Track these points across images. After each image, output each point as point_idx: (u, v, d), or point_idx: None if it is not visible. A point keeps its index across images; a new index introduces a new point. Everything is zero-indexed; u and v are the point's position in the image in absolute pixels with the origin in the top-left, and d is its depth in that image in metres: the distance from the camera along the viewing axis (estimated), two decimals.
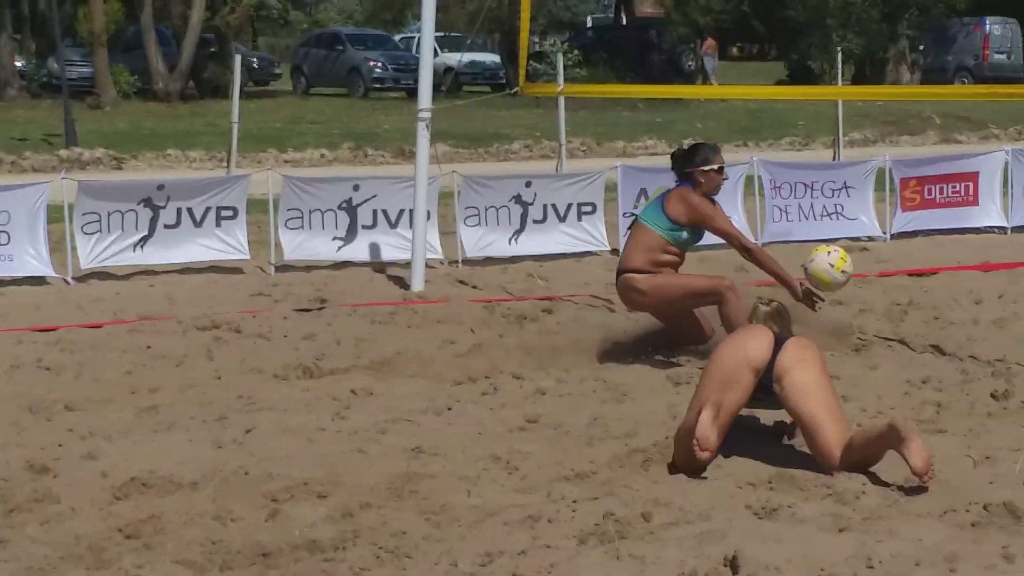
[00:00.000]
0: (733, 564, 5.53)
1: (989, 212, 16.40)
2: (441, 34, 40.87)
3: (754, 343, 7.05)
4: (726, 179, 10.33)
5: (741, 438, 7.22)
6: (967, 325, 10.85)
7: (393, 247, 13.98)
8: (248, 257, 13.79)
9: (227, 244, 13.72)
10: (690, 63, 52.07)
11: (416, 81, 13.10)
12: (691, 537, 5.87)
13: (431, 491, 6.62)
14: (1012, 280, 12.90)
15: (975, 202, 16.35)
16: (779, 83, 47.77)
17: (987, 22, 49.18)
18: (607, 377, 9.07)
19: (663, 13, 56.76)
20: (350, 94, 43.35)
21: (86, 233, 13.19)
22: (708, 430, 6.73)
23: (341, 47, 45.81)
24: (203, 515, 6.27)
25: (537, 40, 46.13)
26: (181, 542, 5.96)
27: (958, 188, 16.36)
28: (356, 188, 14.18)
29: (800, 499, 6.45)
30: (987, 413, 8.11)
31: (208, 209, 13.66)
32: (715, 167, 9.83)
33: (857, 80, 45.05)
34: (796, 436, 7.26)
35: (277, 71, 50.89)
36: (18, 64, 41.44)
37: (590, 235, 14.89)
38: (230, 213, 13.78)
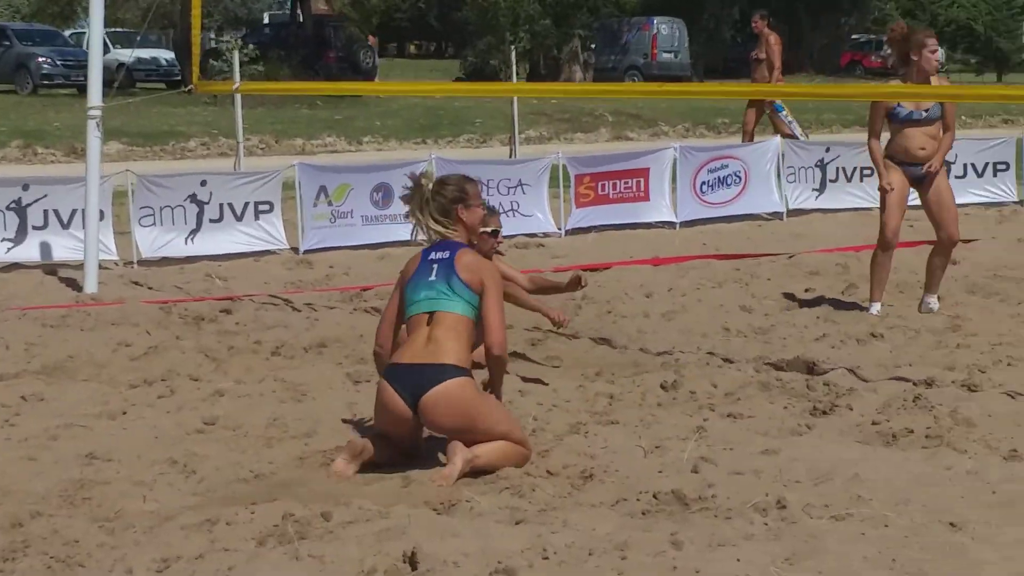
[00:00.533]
0: (412, 560, 5.56)
1: (659, 208, 16.85)
2: (113, 30, 40.04)
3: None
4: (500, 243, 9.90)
5: (428, 439, 7.29)
6: (638, 318, 11.14)
7: (66, 248, 13.62)
8: None
9: None
10: (367, 60, 52.16)
11: (87, 78, 12.81)
12: (370, 535, 5.88)
13: (105, 497, 6.49)
14: (680, 274, 13.31)
15: (646, 198, 16.79)
16: (457, 80, 48.29)
17: (655, 22, 50.60)
18: (286, 377, 9.00)
19: (337, 11, 56.84)
20: (18, 91, 42.06)
21: None
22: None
23: (8, 42, 44.36)
24: None
25: (213, 36, 45.59)
26: None
27: (629, 184, 16.77)
28: (25, 188, 13.78)
29: (478, 493, 6.53)
30: (657, 403, 8.35)
31: None
32: (489, 229, 9.45)
33: (532, 78, 45.86)
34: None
35: None
36: None
37: (268, 234, 14.77)
38: None
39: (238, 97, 18.07)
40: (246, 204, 14.73)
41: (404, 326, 7.34)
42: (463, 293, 7.15)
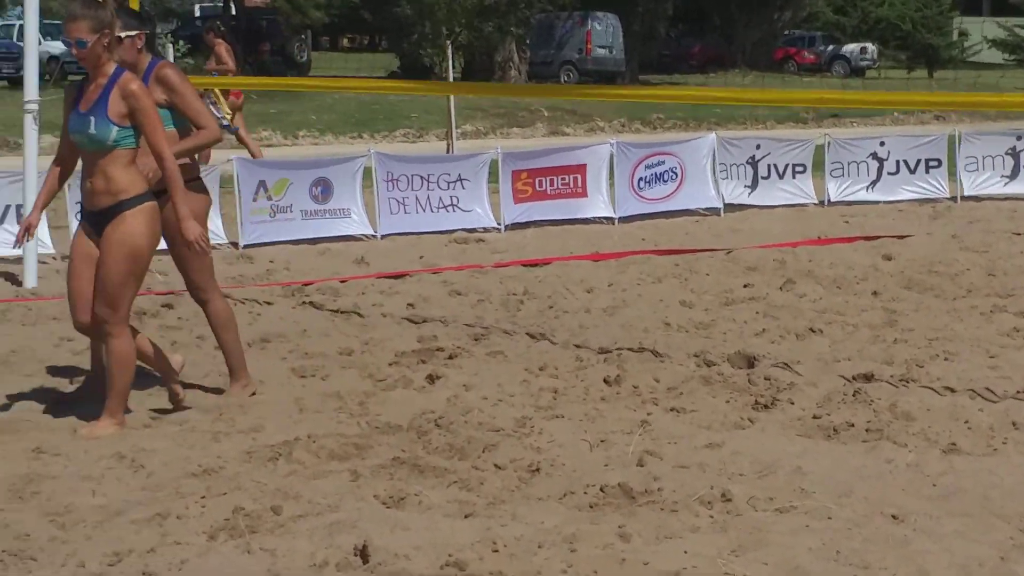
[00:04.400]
0: (363, 553, 5.60)
1: (597, 203, 16.93)
2: (45, 21, 39.61)
3: None
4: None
5: None
6: (579, 313, 11.22)
7: (2, 243, 13.55)
8: None
9: None
10: (302, 54, 52.03)
11: (20, 70, 12.73)
12: (321, 528, 5.91)
13: (54, 492, 6.48)
14: (620, 269, 13.39)
15: (584, 194, 16.88)
16: (392, 75, 48.24)
17: (589, 18, 50.66)
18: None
19: (272, 3, 56.64)
20: None
21: None
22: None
23: None
24: None
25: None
26: None
27: (567, 180, 16.84)
28: None
29: (426, 487, 6.56)
30: (601, 398, 8.41)
31: None
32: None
33: (467, 73, 45.84)
34: None
35: None
36: None
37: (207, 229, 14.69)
38: None
39: None
40: None
41: None
42: None
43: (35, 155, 12.39)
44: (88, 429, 7.55)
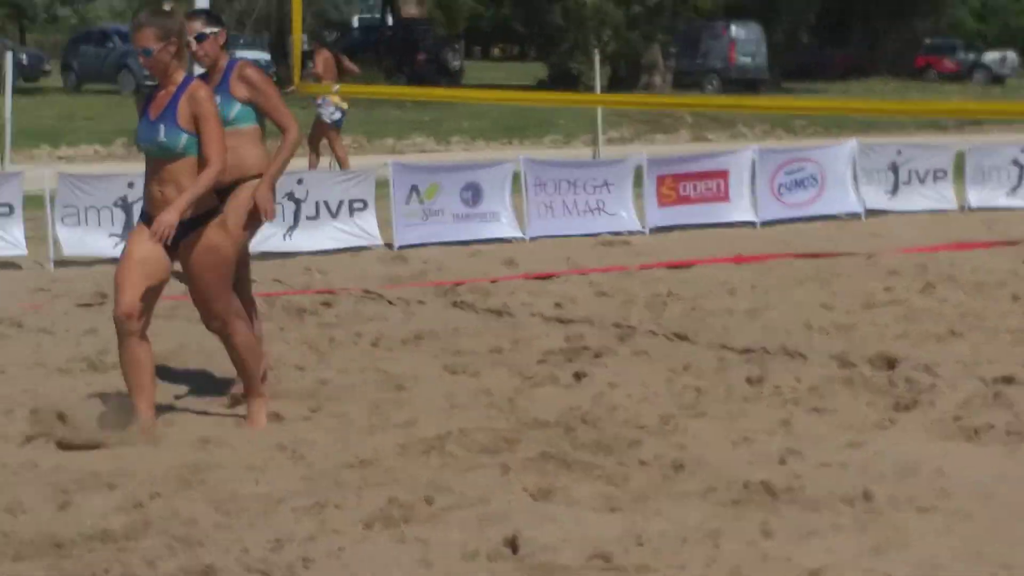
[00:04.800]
0: (513, 545, 5.62)
1: (739, 207, 16.83)
2: None
3: None
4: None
5: None
6: (722, 315, 11.13)
7: None
8: (25, 253, 13.51)
9: (4, 240, 13.40)
10: (455, 63, 52.29)
11: None
12: (472, 520, 5.95)
13: (219, 480, 6.59)
14: (762, 272, 13.29)
15: (727, 198, 16.78)
16: (540, 83, 48.33)
17: (732, 27, 50.28)
18: (386, 368, 9.09)
19: (427, 15, 57.06)
20: (121, 91, 42.49)
21: None
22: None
23: (112, 44, 44.93)
24: None
25: (306, 39, 45.76)
26: None
27: (710, 185, 16.77)
28: (131, 185, 13.88)
29: (572, 481, 6.57)
30: (743, 397, 8.33)
31: None
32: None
33: (612, 82, 45.72)
34: None
35: (47, 68, 49.67)
36: None
37: (363, 230, 14.89)
38: (6, 210, 13.47)
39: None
40: (341, 202, 14.87)
41: None
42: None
43: None
44: (249, 421, 7.67)
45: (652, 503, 6.27)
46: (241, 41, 42.99)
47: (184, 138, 7.16)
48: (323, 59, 20.01)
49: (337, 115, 19.18)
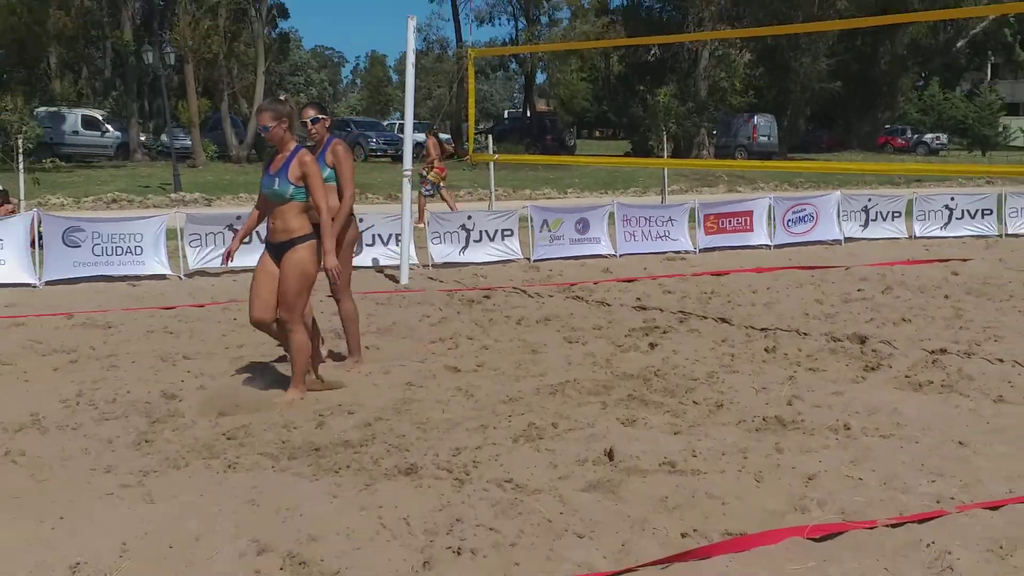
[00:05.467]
0: (610, 455, 5.62)
1: (760, 235, 16.55)
2: (415, 121, 40.51)
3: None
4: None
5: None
6: (747, 306, 10.97)
7: (387, 257, 13.89)
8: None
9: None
10: (570, 141, 52.17)
11: (399, 151, 12.99)
12: (583, 438, 5.94)
13: (419, 410, 6.65)
14: (775, 278, 13.07)
15: (751, 229, 16.52)
16: (626, 153, 48.03)
17: (755, 117, 49.59)
18: (525, 338, 9.08)
19: (552, 109, 56.92)
20: (355, 160, 42.89)
21: (192, 246, 13.09)
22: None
23: (349, 129, 45.45)
24: (275, 425, 6.27)
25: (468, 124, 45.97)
26: (262, 441, 5.96)
27: (740, 220, 16.51)
28: (360, 220, 13.97)
29: (649, 413, 6.54)
30: (762, 361, 8.22)
31: None
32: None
33: (675, 153, 45.30)
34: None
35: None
36: (142, 138, 40.92)
37: (511, 249, 14.89)
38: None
39: (491, 163, 18.28)
40: (496, 230, 14.89)
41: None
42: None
43: (408, 202, 12.68)
44: (283, 397, 6.88)
45: (701, 429, 6.22)
46: (434, 127, 43.18)
47: (291, 188, 6.74)
48: (432, 144, 19.11)
49: (431, 190, 18.55)
